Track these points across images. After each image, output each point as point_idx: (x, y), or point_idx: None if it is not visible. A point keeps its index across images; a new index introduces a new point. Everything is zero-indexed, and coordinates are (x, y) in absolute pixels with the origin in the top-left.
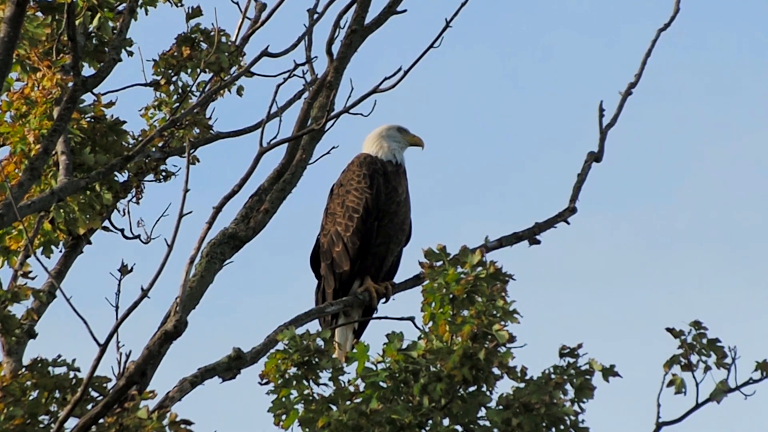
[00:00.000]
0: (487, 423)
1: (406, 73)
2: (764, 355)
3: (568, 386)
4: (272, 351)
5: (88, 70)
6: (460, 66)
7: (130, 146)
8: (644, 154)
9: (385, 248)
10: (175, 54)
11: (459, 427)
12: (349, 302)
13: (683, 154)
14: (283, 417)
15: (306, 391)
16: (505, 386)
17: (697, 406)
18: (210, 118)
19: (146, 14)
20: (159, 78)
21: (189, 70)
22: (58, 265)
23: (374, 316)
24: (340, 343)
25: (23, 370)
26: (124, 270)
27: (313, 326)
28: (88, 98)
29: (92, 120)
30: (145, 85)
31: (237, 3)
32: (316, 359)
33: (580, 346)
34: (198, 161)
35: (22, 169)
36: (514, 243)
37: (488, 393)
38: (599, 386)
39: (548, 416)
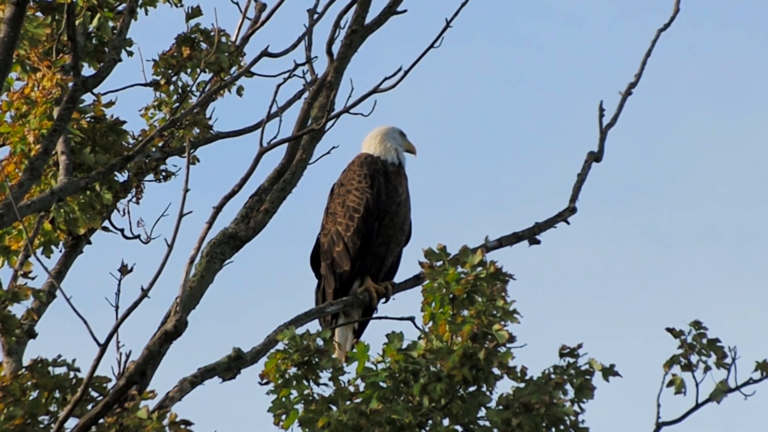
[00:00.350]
0: (487, 423)
1: (406, 73)
2: (764, 355)
3: (568, 386)
4: (272, 351)
5: (88, 70)
6: (460, 66)
7: (130, 146)
8: (644, 154)
9: (385, 248)
10: (175, 54)
11: (459, 427)
12: (349, 302)
13: (683, 155)
14: (283, 417)
15: (306, 391)
16: (505, 386)
17: (697, 406)
18: (210, 118)
19: (146, 14)
20: (159, 78)
21: (189, 70)
22: (58, 265)
23: (374, 316)
24: (340, 343)
25: (23, 370)
26: (124, 270)
27: (313, 326)
28: (88, 98)
29: (92, 120)
30: (145, 85)
31: (237, 3)
32: (316, 359)
33: (580, 346)
34: (198, 161)
35: (22, 169)
36: (514, 243)
37: (488, 393)
38: (599, 386)
39: (548, 416)
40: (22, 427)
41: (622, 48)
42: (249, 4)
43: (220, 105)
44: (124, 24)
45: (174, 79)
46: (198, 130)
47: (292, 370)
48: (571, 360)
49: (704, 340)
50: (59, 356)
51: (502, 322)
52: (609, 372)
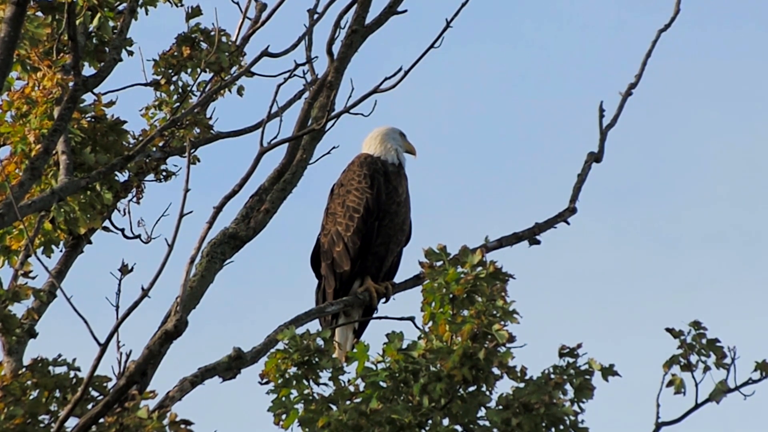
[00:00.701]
0: (487, 423)
1: (406, 73)
2: (764, 356)
3: (567, 386)
4: (272, 351)
5: (88, 70)
6: (461, 66)
7: (131, 146)
8: (644, 154)
9: (385, 248)
10: (176, 54)
11: (459, 427)
12: (349, 302)
13: (683, 155)
14: (283, 417)
15: (306, 391)
16: (505, 386)
17: (697, 406)
18: (210, 117)
19: (146, 14)
20: (159, 78)
21: (189, 70)
22: (59, 264)
23: (374, 315)
24: (340, 342)
25: (24, 369)
26: (125, 270)
27: (314, 326)
28: (88, 98)
29: (93, 120)
30: (146, 84)
31: (237, 3)
32: (316, 359)
33: (579, 346)
34: (198, 161)
35: (22, 168)
36: (514, 243)
37: (488, 393)
38: (599, 386)
39: (548, 416)
40: (23, 426)
41: (622, 49)
42: (249, 4)
43: (220, 105)
44: (124, 24)
45: (174, 78)
46: (198, 130)
47: (292, 369)
48: (571, 360)
49: (704, 341)
50: (59, 356)
51: (502, 322)
52: (608, 372)
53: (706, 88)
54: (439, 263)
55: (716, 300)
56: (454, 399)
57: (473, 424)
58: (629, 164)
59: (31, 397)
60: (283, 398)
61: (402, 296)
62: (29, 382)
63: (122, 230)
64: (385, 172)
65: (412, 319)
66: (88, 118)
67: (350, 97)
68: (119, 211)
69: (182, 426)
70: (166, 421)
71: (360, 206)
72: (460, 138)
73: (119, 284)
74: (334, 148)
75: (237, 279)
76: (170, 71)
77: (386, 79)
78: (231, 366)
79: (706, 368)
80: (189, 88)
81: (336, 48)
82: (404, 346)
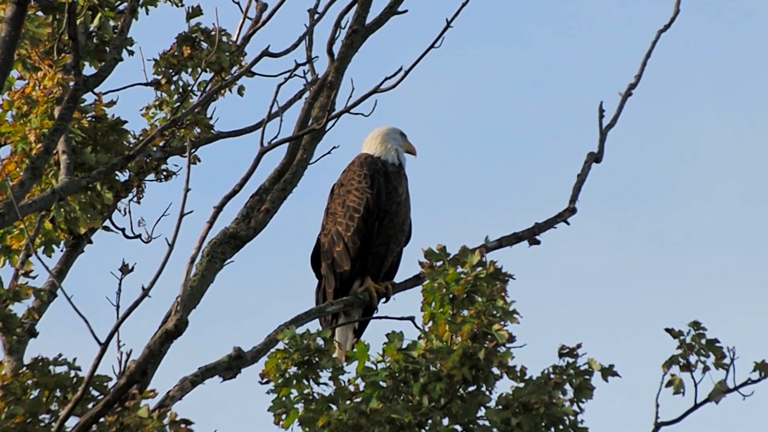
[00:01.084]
0: (487, 423)
1: (406, 73)
2: (763, 356)
3: (567, 386)
4: (272, 350)
5: (89, 70)
6: (461, 66)
7: (131, 146)
8: (644, 155)
9: (385, 248)
10: (176, 53)
11: (458, 427)
12: (349, 302)
13: (682, 156)
14: (283, 416)
15: (306, 391)
16: (505, 386)
17: (696, 406)
18: (211, 117)
19: (147, 14)
20: (160, 77)
21: (190, 70)
22: (59, 264)
23: (374, 315)
24: (341, 342)
25: (24, 369)
26: (125, 269)
27: (314, 326)
28: (89, 98)
29: (93, 119)
30: (146, 84)
31: (238, 3)
32: (317, 359)
33: (579, 346)
34: (199, 161)
35: (23, 168)
36: (514, 243)
37: (488, 393)
38: (598, 386)
39: (547, 416)
40: (23, 425)
41: (622, 49)
42: (250, 4)
43: (221, 105)
44: (125, 23)
45: (175, 78)
46: (199, 130)
47: (293, 369)
48: (571, 360)
49: (703, 341)
50: (60, 355)
51: (502, 322)
52: (608, 372)
53: (706, 88)
54: (439, 263)
55: (716, 300)
56: (454, 399)
57: (473, 424)
58: (629, 164)
59: (31, 397)
60: (283, 398)
61: (402, 296)
62: (30, 382)
63: (123, 230)
64: (386, 172)
65: (412, 319)
66: (89, 118)
67: (350, 97)
68: (120, 210)
69: (182, 425)
70: (166, 421)
71: (360, 206)
72: (460, 138)
73: (120, 284)
74: (334, 148)
75: (237, 279)
76: (171, 71)
77: (386, 79)
78: (231, 366)
79: (706, 368)
80: (189, 88)
81: (336, 48)
82: (404, 346)
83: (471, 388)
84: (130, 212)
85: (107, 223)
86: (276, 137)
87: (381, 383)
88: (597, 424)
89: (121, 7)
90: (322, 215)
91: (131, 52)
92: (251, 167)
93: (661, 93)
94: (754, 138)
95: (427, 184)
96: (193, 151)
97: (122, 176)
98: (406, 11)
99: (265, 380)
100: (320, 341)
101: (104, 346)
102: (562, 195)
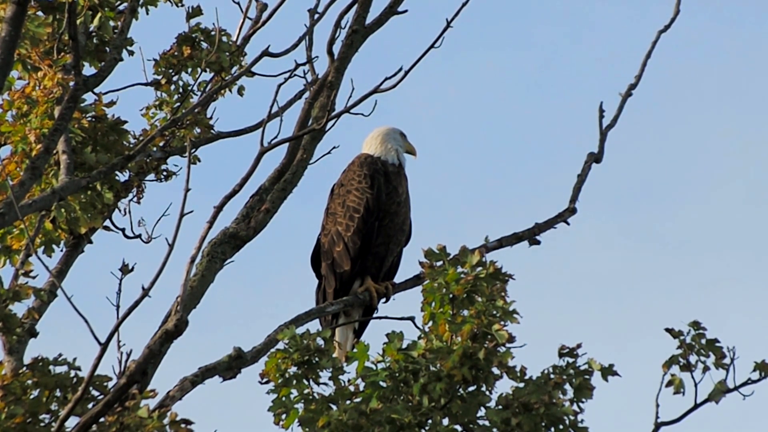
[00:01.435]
0: (487, 423)
1: (406, 73)
2: (763, 356)
3: (567, 386)
4: (272, 350)
5: (89, 70)
6: (461, 66)
7: (131, 146)
8: (644, 155)
9: (385, 248)
10: (176, 53)
11: (458, 427)
12: (349, 302)
13: (682, 156)
14: (283, 416)
15: (306, 391)
16: (505, 386)
17: (696, 406)
18: (211, 117)
19: (147, 14)
20: (160, 77)
21: (190, 70)
22: (60, 264)
23: (374, 315)
24: (341, 342)
25: (24, 368)
26: (125, 269)
27: (314, 326)
28: (89, 97)
29: (93, 119)
30: (146, 84)
31: (238, 3)
32: (317, 359)
33: (579, 345)
34: (199, 161)
35: (23, 168)
36: (514, 243)
37: (488, 393)
38: (598, 386)
39: (547, 416)
40: (23, 425)
41: (622, 49)
42: (250, 4)
43: (221, 105)
44: (125, 23)
45: (175, 78)
46: (199, 130)
47: (293, 369)
48: (571, 360)
49: (703, 341)
50: (60, 355)
51: (502, 322)
52: (608, 372)
53: (706, 89)
54: (439, 263)
55: (716, 300)
56: (453, 399)
57: (473, 424)
58: (629, 165)
59: (31, 397)
60: (283, 398)
61: (402, 296)
62: (30, 382)
63: (123, 230)
64: (386, 173)
65: (412, 319)
66: (89, 118)
67: (350, 97)
68: (120, 210)
69: (182, 425)
70: (166, 421)
71: (360, 206)
72: (460, 138)
73: (120, 284)
74: (334, 148)
75: (237, 279)
76: (171, 71)
77: (386, 79)
78: (231, 365)
79: (706, 368)
80: (189, 88)
81: (336, 48)
82: (404, 346)
83: (471, 388)
84: (130, 212)
85: (107, 223)
86: (276, 137)
87: (381, 383)
88: (597, 424)
89: (121, 7)
90: (322, 215)
91: (131, 52)
92: (251, 167)
93: (662, 93)
94: (754, 138)
95: (427, 184)
96: (193, 151)
97: (122, 176)
98: (406, 11)
99: (265, 380)
100: (320, 341)
101: (104, 346)
102: (562, 195)
